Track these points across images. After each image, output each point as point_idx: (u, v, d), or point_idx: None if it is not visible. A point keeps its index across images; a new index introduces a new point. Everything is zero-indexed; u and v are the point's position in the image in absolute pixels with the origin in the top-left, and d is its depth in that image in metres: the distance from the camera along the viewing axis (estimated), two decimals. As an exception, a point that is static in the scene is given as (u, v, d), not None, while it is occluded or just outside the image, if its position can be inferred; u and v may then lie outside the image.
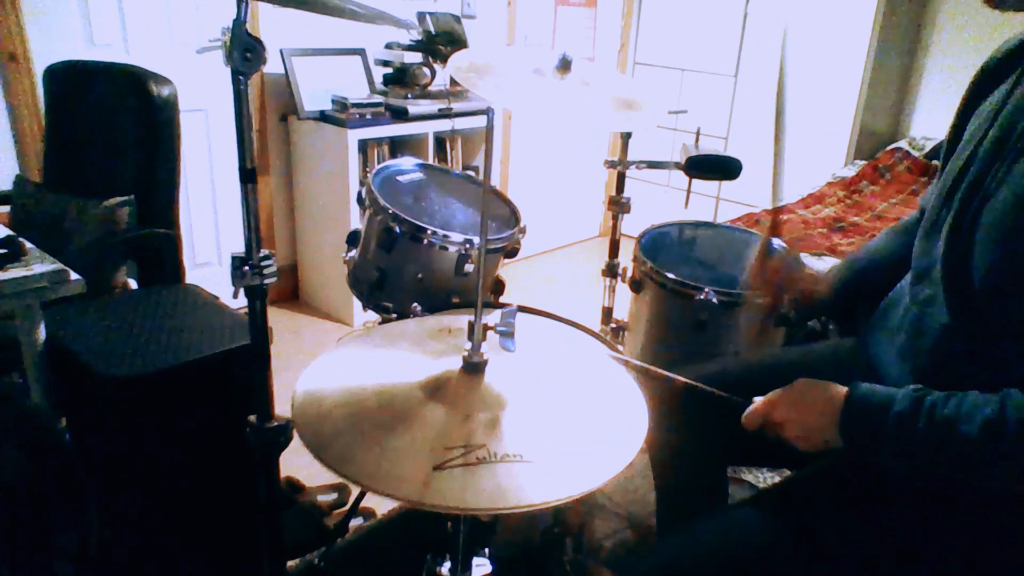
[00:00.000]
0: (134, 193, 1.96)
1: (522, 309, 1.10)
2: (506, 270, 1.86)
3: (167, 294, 1.73)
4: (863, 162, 3.57)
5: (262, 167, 3.10)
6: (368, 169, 3.05)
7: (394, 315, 1.57)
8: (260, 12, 2.89)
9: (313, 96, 3.02)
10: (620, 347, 1.87)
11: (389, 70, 3.17)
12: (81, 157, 2.11)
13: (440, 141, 3.43)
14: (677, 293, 1.61)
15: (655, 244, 1.82)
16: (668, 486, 1.40)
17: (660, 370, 1.10)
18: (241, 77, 0.92)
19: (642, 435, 0.87)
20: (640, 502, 1.95)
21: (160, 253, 2.02)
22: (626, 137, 1.87)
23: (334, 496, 1.97)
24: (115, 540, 1.45)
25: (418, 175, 1.81)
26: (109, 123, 2.03)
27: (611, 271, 1.95)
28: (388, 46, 3.16)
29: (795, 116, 3.73)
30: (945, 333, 0.93)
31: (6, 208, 2.10)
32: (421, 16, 3.10)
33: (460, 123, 3.28)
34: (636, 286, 1.74)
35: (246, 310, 1.05)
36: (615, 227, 1.92)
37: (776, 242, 1.53)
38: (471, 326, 0.90)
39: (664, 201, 4.31)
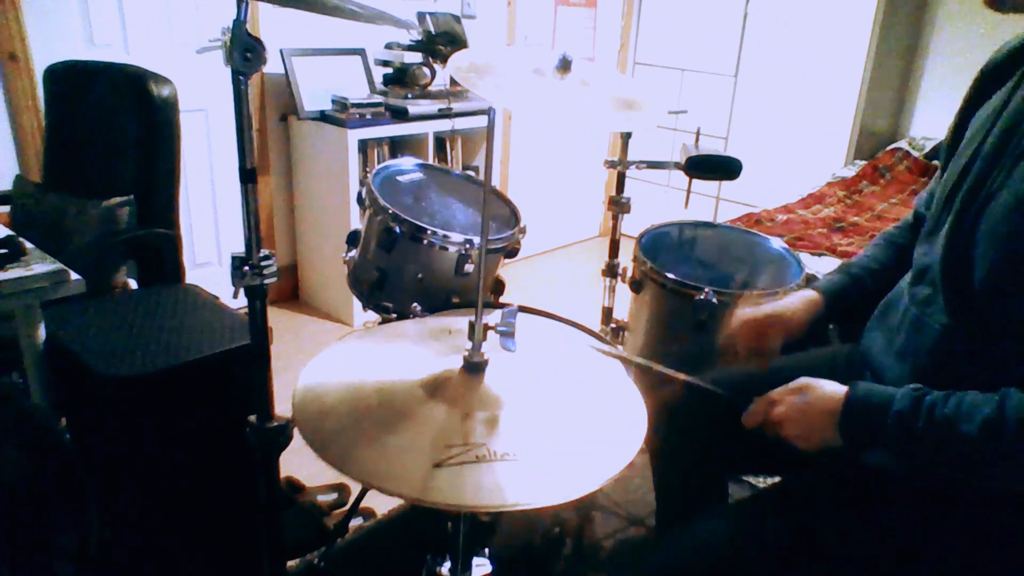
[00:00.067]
0: (134, 193, 1.96)
1: (522, 309, 1.10)
2: (506, 270, 1.86)
3: (167, 294, 1.72)
4: (863, 162, 3.57)
5: (262, 167, 3.10)
6: (368, 169, 3.04)
7: (394, 315, 1.57)
8: (260, 12, 2.89)
9: (313, 96, 3.02)
10: (620, 347, 1.87)
11: (389, 70, 3.17)
12: (81, 157, 2.11)
13: (440, 141, 3.43)
14: (677, 293, 1.61)
15: (655, 244, 1.82)
16: (668, 486, 1.40)
17: (661, 367, 1.10)
18: (241, 77, 0.92)
19: (642, 435, 0.87)
20: (640, 502, 1.95)
21: (160, 253, 2.02)
22: (626, 137, 1.87)
23: (334, 496, 1.97)
24: (115, 540, 1.44)
25: (418, 175, 1.81)
26: (109, 123, 2.03)
27: (611, 271, 1.95)
28: (388, 46, 3.16)
29: (795, 116, 3.73)
30: (944, 333, 0.93)
31: (6, 208, 2.09)
32: (421, 16, 3.09)
33: (460, 123, 3.28)
34: (636, 286, 1.74)
35: (246, 310, 1.05)
36: (615, 227, 1.92)
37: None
38: (471, 326, 0.90)
39: (664, 201, 4.31)
